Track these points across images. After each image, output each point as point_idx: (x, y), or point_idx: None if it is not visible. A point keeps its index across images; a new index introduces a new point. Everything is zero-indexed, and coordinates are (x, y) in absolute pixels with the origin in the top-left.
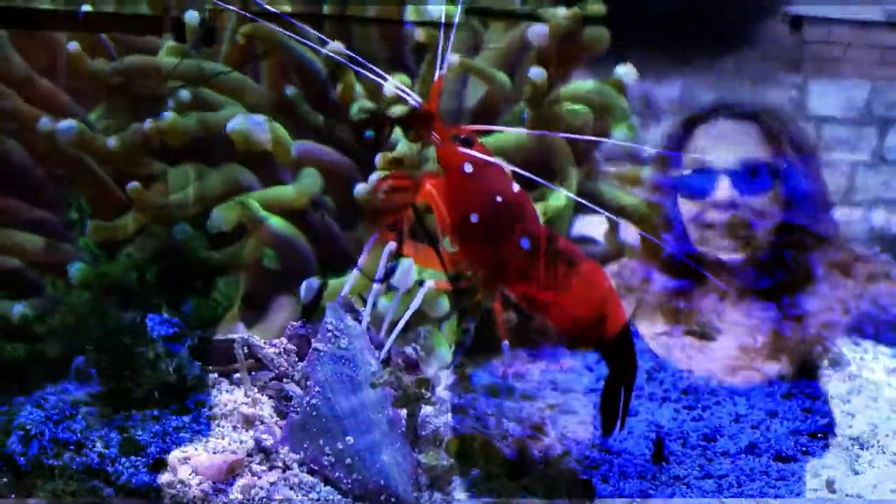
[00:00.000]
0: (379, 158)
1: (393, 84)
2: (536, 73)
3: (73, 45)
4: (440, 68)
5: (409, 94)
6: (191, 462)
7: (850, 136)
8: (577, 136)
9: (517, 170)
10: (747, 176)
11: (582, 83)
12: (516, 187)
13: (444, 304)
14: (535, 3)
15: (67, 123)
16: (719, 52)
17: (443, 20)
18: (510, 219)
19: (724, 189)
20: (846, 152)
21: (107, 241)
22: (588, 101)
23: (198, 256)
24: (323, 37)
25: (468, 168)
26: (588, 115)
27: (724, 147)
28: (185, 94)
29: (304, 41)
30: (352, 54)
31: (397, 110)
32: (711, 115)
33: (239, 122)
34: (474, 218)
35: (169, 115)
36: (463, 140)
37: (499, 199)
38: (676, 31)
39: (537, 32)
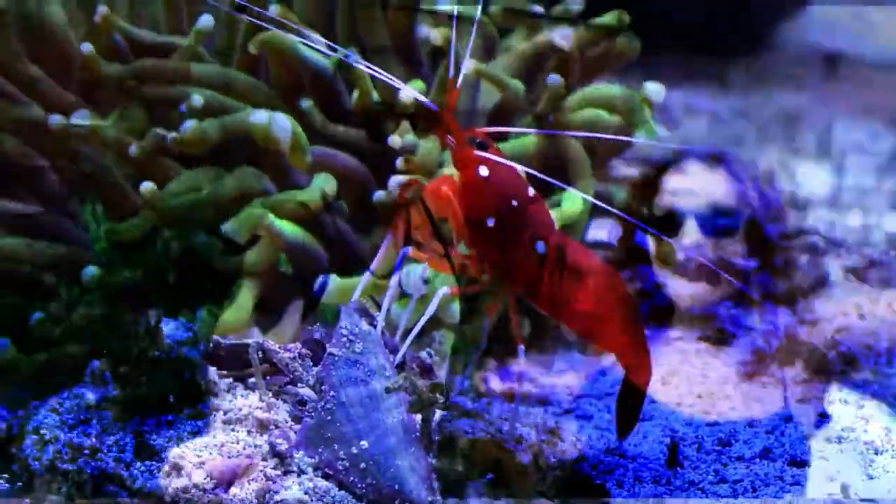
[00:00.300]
0: (400, 162)
1: (408, 89)
2: (553, 79)
3: (87, 48)
4: (456, 73)
5: (424, 99)
6: (205, 466)
7: None
8: (590, 135)
9: (534, 173)
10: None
11: (605, 87)
12: (531, 191)
13: (457, 309)
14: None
15: (80, 115)
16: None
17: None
18: (525, 222)
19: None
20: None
21: (119, 241)
22: (610, 105)
23: (212, 262)
24: (331, 44)
25: (483, 171)
26: (608, 120)
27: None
28: (197, 99)
29: (312, 44)
30: (368, 65)
31: (410, 108)
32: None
33: (263, 116)
34: (489, 221)
35: (191, 126)
36: (478, 143)
37: (514, 202)
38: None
39: (565, 35)
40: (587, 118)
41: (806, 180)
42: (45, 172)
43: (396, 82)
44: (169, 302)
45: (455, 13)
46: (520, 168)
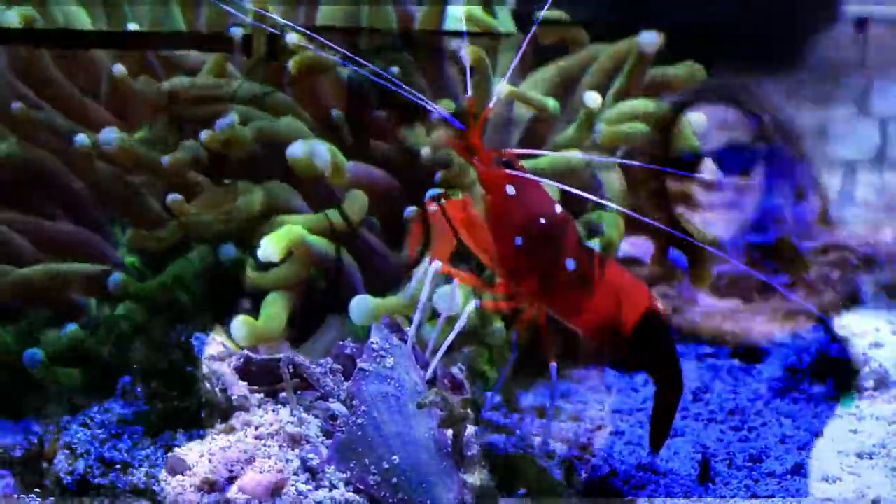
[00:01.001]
0: (439, 175)
1: (437, 108)
2: (591, 98)
3: (119, 69)
4: (483, 93)
5: (452, 118)
6: (237, 481)
7: None
8: (625, 161)
9: (570, 189)
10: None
11: (644, 101)
12: (558, 208)
13: (501, 328)
14: None
15: (109, 132)
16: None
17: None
18: (554, 240)
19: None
20: None
21: (144, 249)
22: (651, 120)
23: (242, 276)
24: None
25: (511, 190)
26: (646, 135)
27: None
28: (232, 117)
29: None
30: (399, 83)
31: (439, 133)
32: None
33: (300, 148)
34: (518, 240)
35: (229, 121)
36: (504, 163)
37: (542, 220)
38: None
39: (649, 41)
40: (629, 132)
41: (838, 193)
42: (75, 188)
43: (430, 104)
44: (199, 315)
45: (465, 32)
46: (552, 185)
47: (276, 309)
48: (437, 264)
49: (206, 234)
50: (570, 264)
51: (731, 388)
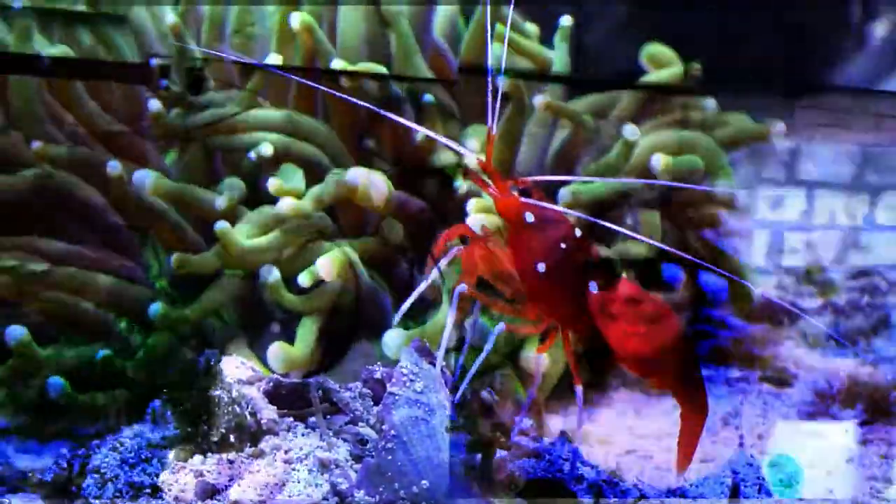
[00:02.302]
0: (471, 205)
1: (447, 142)
2: (631, 131)
3: (155, 105)
4: (492, 123)
5: (462, 149)
6: None
7: None
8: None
9: (603, 223)
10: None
11: (679, 133)
12: (578, 232)
13: (531, 354)
14: None
15: (143, 173)
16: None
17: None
18: (576, 264)
19: None
20: None
21: (187, 274)
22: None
23: (281, 303)
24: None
25: (529, 218)
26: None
27: None
28: (266, 148)
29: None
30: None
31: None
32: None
33: (361, 176)
34: (541, 267)
35: (264, 151)
36: (521, 191)
37: (563, 245)
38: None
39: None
40: (677, 165)
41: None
42: (107, 213)
43: (451, 143)
44: (229, 340)
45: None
46: (573, 215)
47: (307, 335)
48: (462, 287)
49: (248, 264)
50: (594, 287)
51: (760, 413)
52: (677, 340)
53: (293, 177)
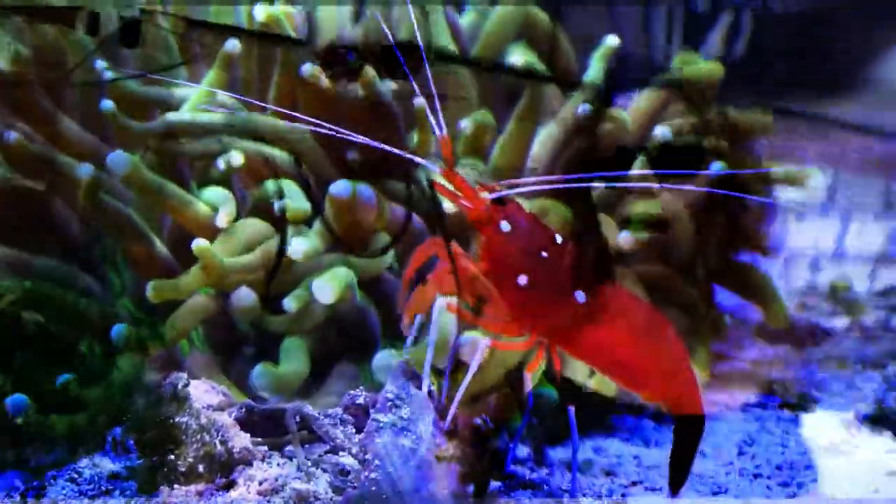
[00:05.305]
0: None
1: (413, 158)
2: (664, 132)
3: (108, 105)
4: (440, 130)
5: (420, 159)
6: None
7: None
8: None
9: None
10: None
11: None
12: (559, 238)
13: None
14: None
15: (118, 155)
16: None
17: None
18: (559, 273)
19: None
20: None
21: (167, 301)
22: None
23: (262, 325)
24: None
25: (505, 226)
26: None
27: None
28: (237, 157)
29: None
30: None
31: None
32: None
33: (346, 189)
34: (521, 280)
35: (237, 161)
36: (495, 199)
37: (543, 253)
38: None
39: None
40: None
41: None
42: (70, 223)
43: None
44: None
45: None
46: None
47: (298, 355)
48: (443, 301)
49: (229, 285)
50: (581, 296)
51: (779, 441)
52: (669, 348)
53: (296, 196)
